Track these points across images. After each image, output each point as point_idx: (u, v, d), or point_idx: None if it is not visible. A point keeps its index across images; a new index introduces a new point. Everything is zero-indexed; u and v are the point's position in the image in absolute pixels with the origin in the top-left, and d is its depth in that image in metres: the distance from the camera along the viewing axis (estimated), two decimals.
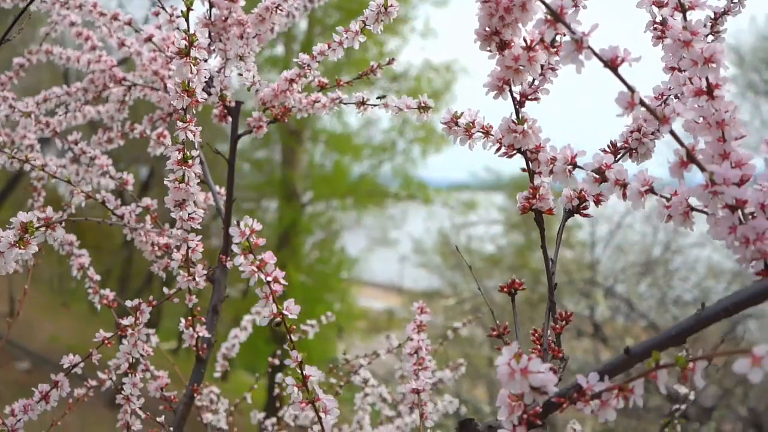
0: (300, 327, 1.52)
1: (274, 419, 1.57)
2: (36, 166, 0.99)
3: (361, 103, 0.96)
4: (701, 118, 0.57)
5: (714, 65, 0.55)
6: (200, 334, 1.01)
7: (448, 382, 1.46)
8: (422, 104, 0.88)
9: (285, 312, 0.66)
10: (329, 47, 0.93)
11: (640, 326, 6.55)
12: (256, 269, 0.65)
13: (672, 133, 0.53)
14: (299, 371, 0.68)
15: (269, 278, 0.65)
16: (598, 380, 0.54)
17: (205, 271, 0.95)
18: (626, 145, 0.71)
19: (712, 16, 0.74)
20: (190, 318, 1.00)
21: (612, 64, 0.53)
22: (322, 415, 0.67)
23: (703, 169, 0.53)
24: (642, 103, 0.52)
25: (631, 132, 0.71)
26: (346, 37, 0.91)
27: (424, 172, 11.73)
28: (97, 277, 1.13)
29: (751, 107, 8.83)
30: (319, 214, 11.93)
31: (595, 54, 0.53)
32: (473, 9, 0.64)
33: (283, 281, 0.65)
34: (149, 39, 1.03)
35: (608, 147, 0.72)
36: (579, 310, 6.27)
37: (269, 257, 0.66)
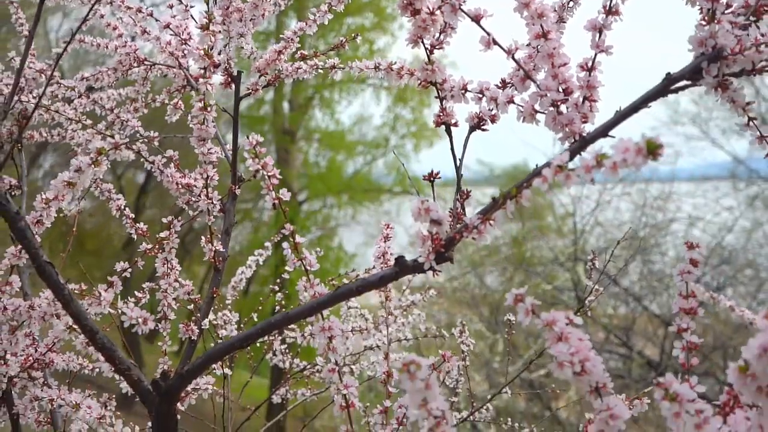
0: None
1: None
2: (76, 121, 1.31)
3: (333, 67, 1.29)
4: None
5: (545, 18, 0.87)
6: (217, 249, 1.32)
7: (417, 303, 1.79)
8: (377, 65, 1.20)
9: (281, 196, 0.98)
10: (306, 24, 1.25)
11: (623, 299, 6.91)
12: (260, 167, 0.97)
13: (515, 60, 0.85)
14: (292, 239, 1.00)
15: (269, 174, 0.97)
16: (476, 218, 0.85)
17: (220, 197, 1.27)
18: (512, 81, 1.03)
19: None
20: (209, 235, 1.32)
21: (476, 19, 0.85)
22: (308, 267, 0.99)
23: (534, 82, 0.85)
24: (494, 42, 0.84)
25: (515, 71, 1.03)
26: (319, 15, 1.24)
27: (417, 167, 12.05)
28: (132, 215, 1.44)
29: (752, 91, 9.19)
30: (315, 212, 12.24)
31: (465, 13, 0.84)
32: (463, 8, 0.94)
33: (278, 176, 0.97)
34: (167, 26, 1.34)
35: (500, 82, 1.04)
36: (565, 284, 6.64)
37: (269, 160, 0.98)
